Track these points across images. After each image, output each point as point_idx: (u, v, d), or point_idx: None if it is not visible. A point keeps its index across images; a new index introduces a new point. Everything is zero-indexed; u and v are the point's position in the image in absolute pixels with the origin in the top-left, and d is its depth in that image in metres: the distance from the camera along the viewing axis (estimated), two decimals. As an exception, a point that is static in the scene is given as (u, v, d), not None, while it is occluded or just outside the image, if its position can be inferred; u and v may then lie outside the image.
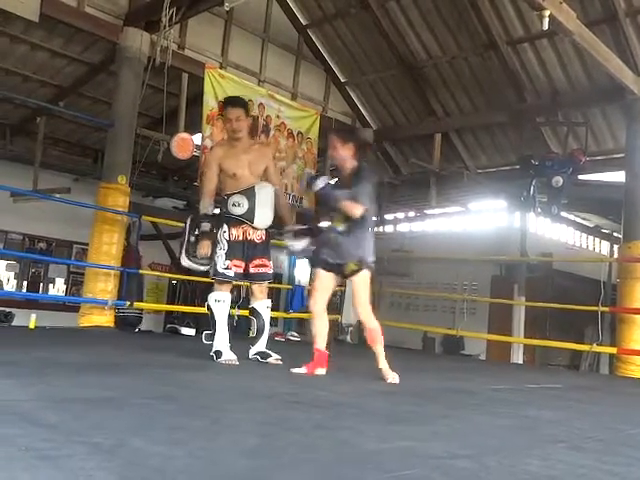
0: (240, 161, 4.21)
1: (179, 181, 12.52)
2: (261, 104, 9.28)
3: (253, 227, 4.17)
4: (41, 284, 12.38)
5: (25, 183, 8.64)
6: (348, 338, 9.95)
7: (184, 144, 7.87)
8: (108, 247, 7.38)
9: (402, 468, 1.67)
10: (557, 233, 14.15)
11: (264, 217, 4.17)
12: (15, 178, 9.06)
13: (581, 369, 12.21)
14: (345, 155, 4.05)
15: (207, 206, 4.21)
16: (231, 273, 4.12)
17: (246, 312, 8.30)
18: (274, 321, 10.29)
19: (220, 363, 4.03)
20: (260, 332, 4.35)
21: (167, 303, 12.98)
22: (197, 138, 8.55)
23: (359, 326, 10.67)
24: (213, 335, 4.20)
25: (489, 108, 10.30)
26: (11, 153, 10.62)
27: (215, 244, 4.15)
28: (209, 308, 4.22)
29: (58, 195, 8.76)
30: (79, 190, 9.78)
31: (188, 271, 10.18)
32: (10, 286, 11.96)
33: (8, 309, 9.71)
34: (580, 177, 9.44)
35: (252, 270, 4.21)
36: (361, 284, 3.97)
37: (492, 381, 5.30)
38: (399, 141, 12.18)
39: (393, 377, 3.94)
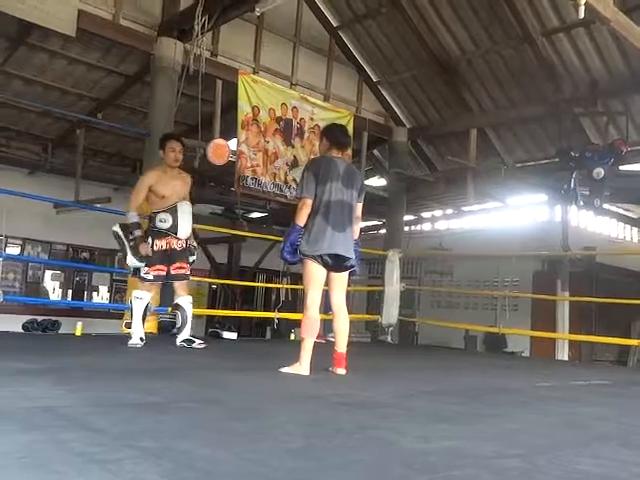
0: (169, 186, 5.16)
1: (216, 187, 12.64)
2: (294, 107, 9.31)
3: (176, 237, 5.11)
4: (85, 292, 12.67)
5: (67, 194, 8.85)
6: (389, 338, 9.90)
7: (220, 150, 7.95)
8: (149, 254, 7.48)
9: (450, 468, 1.65)
10: (600, 226, 13.84)
11: (186, 229, 5.15)
12: (57, 190, 9.29)
13: (629, 364, 11.90)
14: (320, 151, 4.32)
15: (134, 216, 5.11)
16: (150, 277, 5.07)
17: (286, 315, 8.40)
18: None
19: (132, 347, 4.98)
20: (184, 323, 5.21)
21: (208, 308, 13.12)
22: (232, 144, 8.62)
23: (400, 326, 10.65)
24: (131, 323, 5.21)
25: (525, 101, 10.13)
26: (53, 166, 10.89)
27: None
28: (131, 302, 5.22)
29: (99, 205, 8.94)
30: (119, 199, 9.93)
31: (228, 276, 10.26)
32: (56, 295, 12.27)
33: (55, 318, 9.96)
34: (622, 168, 9.21)
35: (173, 272, 5.12)
36: (303, 272, 4.01)
37: (537, 378, 5.20)
38: (434, 138, 12.08)
39: (290, 369, 3.79)
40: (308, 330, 3.87)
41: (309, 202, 3.94)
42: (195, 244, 5.43)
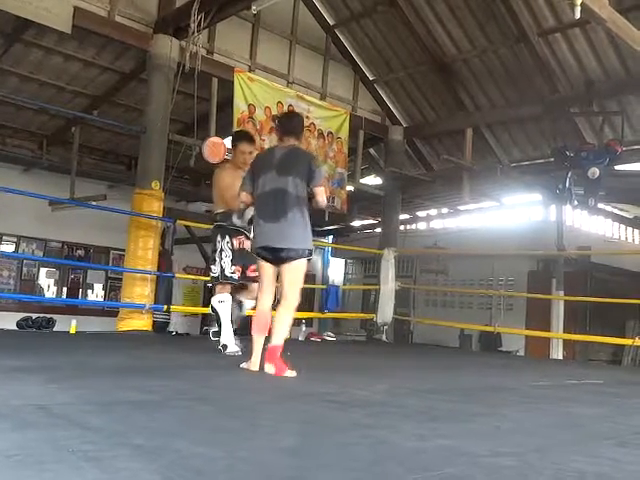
0: None
1: (211, 185, 12.62)
2: (290, 106, 9.30)
3: (247, 237, 4.83)
4: (80, 290, 12.63)
5: (62, 192, 8.81)
6: (384, 337, 9.91)
7: (216, 148, 7.93)
8: (144, 252, 7.48)
9: (444, 466, 1.65)
10: (595, 225, 13.87)
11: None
12: (53, 187, 9.27)
13: (623, 364, 11.94)
14: None
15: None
16: (235, 277, 4.89)
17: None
18: (309, 321, 10.32)
19: (229, 356, 4.56)
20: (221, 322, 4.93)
21: (203, 306, 13.11)
22: (228, 142, 8.59)
23: (395, 325, 10.66)
24: (219, 332, 4.90)
25: (521, 101, 10.13)
26: (48, 163, 10.85)
27: (220, 252, 4.92)
28: (213, 309, 4.91)
29: (94, 202, 8.91)
30: (115, 197, 9.95)
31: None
32: (51, 293, 12.23)
33: (49, 315, 9.95)
34: (617, 167, 9.22)
35: (250, 274, 4.84)
36: None
37: (532, 377, 5.22)
38: (430, 137, 12.07)
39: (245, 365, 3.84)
40: (254, 325, 3.92)
41: (242, 194, 4.05)
42: None
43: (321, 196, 3.87)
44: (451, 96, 10.85)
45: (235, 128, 8.57)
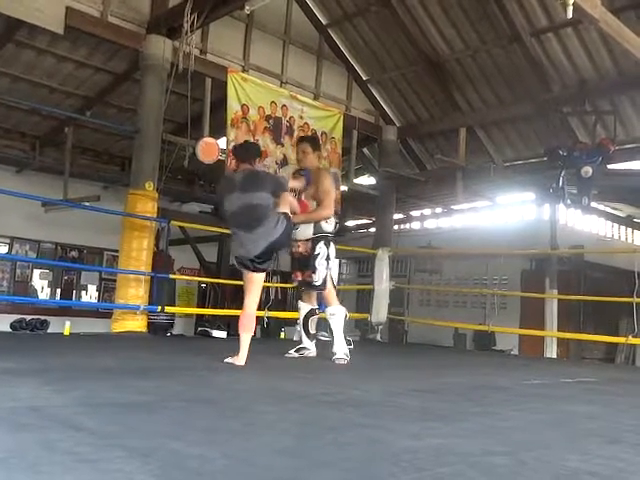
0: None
1: (205, 185, 12.62)
2: (284, 105, 9.30)
3: (296, 240, 4.80)
4: (74, 291, 12.59)
5: (55, 193, 8.79)
6: (378, 337, 9.92)
7: (209, 148, 7.93)
8: (138, 253, 7.46)
9: (437, 466, 1.66)
10: (588, 224, 13.93)
11: (302, 230, 4.77)
12: (46, 188, 9.23)
13: (616, 362, 12.00)
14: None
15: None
16: (295, 282, 5.05)
17: (276, 314, 8.40)
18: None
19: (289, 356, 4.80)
20: (332, 337, 4.88)
21: (197, 306, 13.09)
22: (222, 142, 8.60)
23: (389, 325, 10.67)
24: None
25: (514, 100, 10.17)
26: (41, 164, 10.81)
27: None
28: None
29: (88, 203, 8.89)
30: (108, 198, 9.92)
31: (217, 275, 10.20)
32: (44, 294, 12.18)
33: (43, 317, 9.91)
34: (610, 166, 9.26)
35: (306, 279, 4.86)
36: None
37: (526, 376, 5.23)
38: (423, 137, 12.09)
39: (239, 360, 4.14)
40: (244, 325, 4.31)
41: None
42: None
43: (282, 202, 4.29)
44: (444, 96, 10.87)
45: (229, 128, 8.56)
